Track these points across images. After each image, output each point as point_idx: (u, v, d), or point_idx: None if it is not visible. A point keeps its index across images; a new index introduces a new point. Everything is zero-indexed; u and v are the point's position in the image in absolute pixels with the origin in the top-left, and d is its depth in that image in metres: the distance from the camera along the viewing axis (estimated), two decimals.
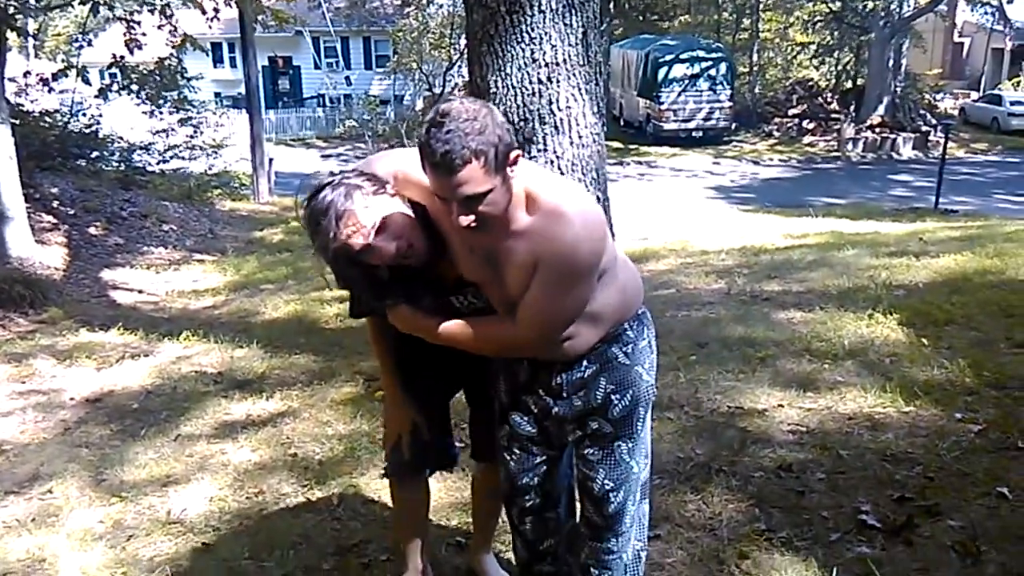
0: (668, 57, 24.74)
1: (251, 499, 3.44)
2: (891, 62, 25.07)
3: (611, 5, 29.49)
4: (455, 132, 1.69)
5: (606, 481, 2.09)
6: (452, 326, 2.03)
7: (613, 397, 2.04)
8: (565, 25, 3.76)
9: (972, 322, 4.71)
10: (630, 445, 2.09)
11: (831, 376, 4.10)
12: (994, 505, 2.86)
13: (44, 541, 3.21)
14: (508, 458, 2.22)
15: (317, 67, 33.26)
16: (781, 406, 3.80)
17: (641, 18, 32.28)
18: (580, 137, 3.86)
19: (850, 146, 23.79)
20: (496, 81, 3.82)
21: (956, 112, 28.01)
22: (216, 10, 14.45)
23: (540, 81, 3.77)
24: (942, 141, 15.62)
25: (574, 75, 3.82)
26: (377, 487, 3.37)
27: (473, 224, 1.77)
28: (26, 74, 14.43)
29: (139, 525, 3.30)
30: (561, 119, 3.82)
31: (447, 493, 3.28)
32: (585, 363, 2.04)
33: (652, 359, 2.12)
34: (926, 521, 2.79)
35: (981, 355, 4.17)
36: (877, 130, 24.29)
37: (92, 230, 10.88)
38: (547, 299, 1.86)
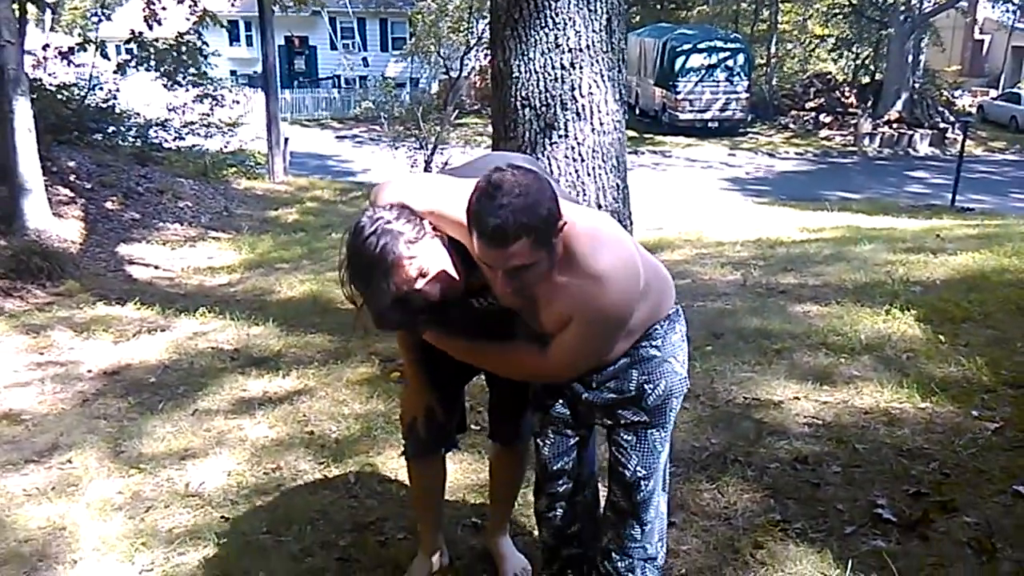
0: (686, 46, 24.62)
1: (269, 475, 3.48)
2: (910, 58, 24.92)
3: None
4: (507, 207, 1.72)
5: (639, 468, 2.11)
6: (481, 347, 2.10)
7: (646, 387, 2.05)
8: (590, 11, 3.76)
9: (989, 320, 4.70)
10: (662, 434, 2.12)
11: (848, 370, 4.10)
12: (1010, 503, 2.86)
13: (64, 510, 3.25)
14: (543, 444, 2.23)
15: (334, 48, 33.24)
16: (797, 398, 3.81)
17: (659, 6, 32.15)
18: (602, 124, 3.87)
19: (867, 141, 23.67)
20: (519, 65, 3.83)
21: (974, 110, 27.82)
22: None
23: (563, 67, 3.78)
24: (960, 138, 15.55)
25: (597, 61, 3.82)
26: (394, 466, 3.40)
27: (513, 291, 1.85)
28: (45, 47, 14.47)
29: (158, 497, 3.34)
30: (583, 105, 3.83)
31: (464, 475, 3.30)
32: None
33: (684, 353, 2.14)
34: (942, 517, 2.80)
35: (999, 353, 4.16)
36: (894, 126, 24.15)
37: (108, 204, 10.93)
38: (580, 345, 1.92)
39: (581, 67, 3.78)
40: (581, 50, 3.78)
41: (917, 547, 2.67)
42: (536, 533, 2.54)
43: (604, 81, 3.85)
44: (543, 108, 3.81)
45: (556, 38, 3.74)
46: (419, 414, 2.46)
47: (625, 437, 2.12)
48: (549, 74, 3.79)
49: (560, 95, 3.80)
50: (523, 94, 3.83)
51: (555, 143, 3.83)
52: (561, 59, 3.77)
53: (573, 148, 3.84)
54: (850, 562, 2.61)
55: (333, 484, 3.35)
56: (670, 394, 2.07)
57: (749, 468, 3.22)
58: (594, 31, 3.78)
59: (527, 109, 3.83)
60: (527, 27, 3.77)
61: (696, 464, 3.28)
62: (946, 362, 4.10)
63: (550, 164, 3.82)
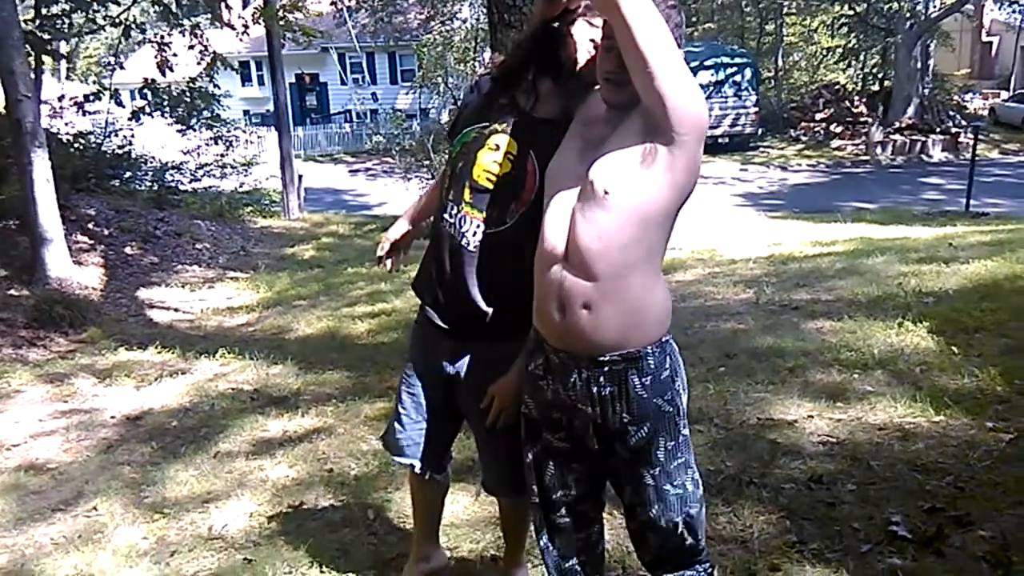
0: (692, 64, 24.54)
1: (289, 515, 3.52)
2: (918, 63, 24.89)
3: None
4: None
5: (634, 497, 2.07)
6: None
7: (630, 428, 2.00)
8: None
9: (1003, 329, 4.69)
10: (654, 472, 2.04)
11: (861, 386, 4.11)
12: None
13: (91, 558, 3.31)
14: (544, 473, 2.18)
15: (344, 83, 33.66)
16: (811, 417, 3.82)
17: None
18: None
19: (879, 149, 23.61)
20: None
21: (986, 112, 27.70)
22: (245, 27, 14.68)
23: None
24: (972, 142, 15.50)
25: None
26: None
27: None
28: (61, 98, 14.74)
29: (182, 541, 3.39)
30: None
31: (481, 507, 3.33)
32: (603, 379, 2.00)
33: (674, 390, 2.03)
34: (957, 532, 2.80)
35: (1012, 363, 4.15)
36: (906, 133, 24.08)
37: (128, 250, 11.09)
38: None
39: None
40: None
41: (933, 563, 2.67)
42: None
43: None
44: None
45: None
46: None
47: (616, 470, 2.08)
48: None
49: None
50: None
51: None
52: None
53: None
54: None
55: (354, 522, 3.39)
56: (655, 434, 2.01)
57: (764, 490, 3.23)
58: None
59: None
60: None
61: (712, 488, 3.29)
62: (959, 374, 4.10)
63: None
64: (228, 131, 17.29)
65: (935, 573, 2.62)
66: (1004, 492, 3.01)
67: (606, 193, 1.92)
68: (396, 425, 2.56)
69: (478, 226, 2.21)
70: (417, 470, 2.58)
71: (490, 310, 2.27)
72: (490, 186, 2.20)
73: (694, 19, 33.42)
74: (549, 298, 2.03)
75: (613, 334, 1.98)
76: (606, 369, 2.00)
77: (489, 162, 2.20)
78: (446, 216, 2.26)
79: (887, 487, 3.15)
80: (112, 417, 5.14)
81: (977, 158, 14.37)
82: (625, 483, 2.09)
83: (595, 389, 2.01)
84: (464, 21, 23.85)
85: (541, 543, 2.26)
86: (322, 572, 3.03)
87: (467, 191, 2.22)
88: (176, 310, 9.05)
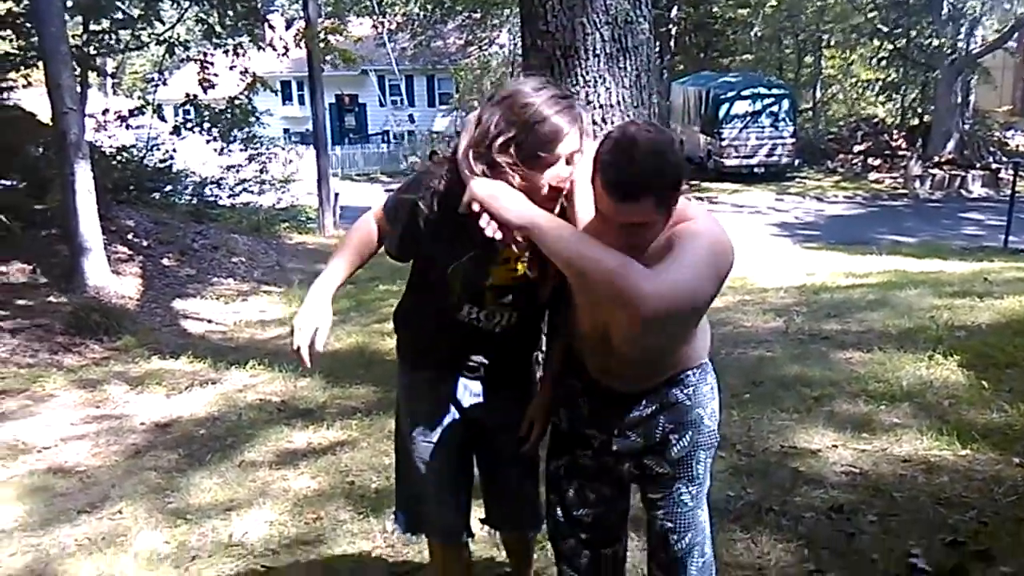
0: (730, 94, 24.69)
1: (309, 525, 3.56)
2: (959, 99, 24.63)
3: (671, 43, 29.63)
4: (640, 164, 1.70)
5: (666, 521, 2.08)
6: (566, 225, 1.84)
7: (672, 437, 2.02)
8: (619, 69, 3.87)
9: None
10: (692, 490, 2.07)
11: (887, 418, 4.06)
12: None
13: (113, 560, 3.37)
14: (566, 488, 2.18)
15: (382, 105, 34.07)
16: (835, 447, 3.79)
17: (702, 55, 32.34)
18: None
19: (918, 183, 23.33)
20: None
21: None
22: (286, 48, 14.95)
23: (595, 122, 3.87)
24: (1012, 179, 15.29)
25: (628, 115, 3.91)
26: None
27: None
28: (104, 112, 15.08)
29: (202, 547, 3.44)
30: None
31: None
32: (644, 402, 2.03)
33: (714, 405, 2.09)
34: (978, 567, 2.76)
35: None
36: (945, 167, 23.79)
37: (165, 261, 11.26)
38: (687, 262, 1.74)
39: (613, 122, 3.88)
40: (612, 106, 3.88)
41: None
42: None
43: None
44: None
45: (587, 95, 3.85)
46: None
47: (652, 491, 2.10)
48: None
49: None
50: None
51: None
52: (592, 115, 3.87)
53: None
54: None
55: (371, 534, 3.41)
56: (696, 446, 2.04)
57: (784, 518, 3.20)
58: (624, 87, 3.89)
59: None
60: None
61: (730, 514, 3.27)
62: (988, 408, 4.04)
63: None
64: (266, 149, 17.56)
65: None
66: None
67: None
68: (434, 499, 2.35)
69: (511, 314, 2.19)
70: (464, 539, 2.42)
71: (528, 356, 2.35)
72: (514, 283, 2.16)
73: (733, 50, 33.41)
74: (594, 363, 2.07)
75: (657, 380, 2.04)
76: (650, 394, 2.04)
77: (505, 271, 2.14)
78: (463, 314, 2.19)
79: (909, 519, 3.11)
80: (142, 424, 5.22)
81: (1017, 195, 14.14)
82: (661, 505, 2.09)
83: (636, 413, 2.04)
84: (502, 47, 24.10)
85: (562, 562, 2.26)
86: None
87: (490, 296, 2.16)
88: (210, 321, 9.17)
